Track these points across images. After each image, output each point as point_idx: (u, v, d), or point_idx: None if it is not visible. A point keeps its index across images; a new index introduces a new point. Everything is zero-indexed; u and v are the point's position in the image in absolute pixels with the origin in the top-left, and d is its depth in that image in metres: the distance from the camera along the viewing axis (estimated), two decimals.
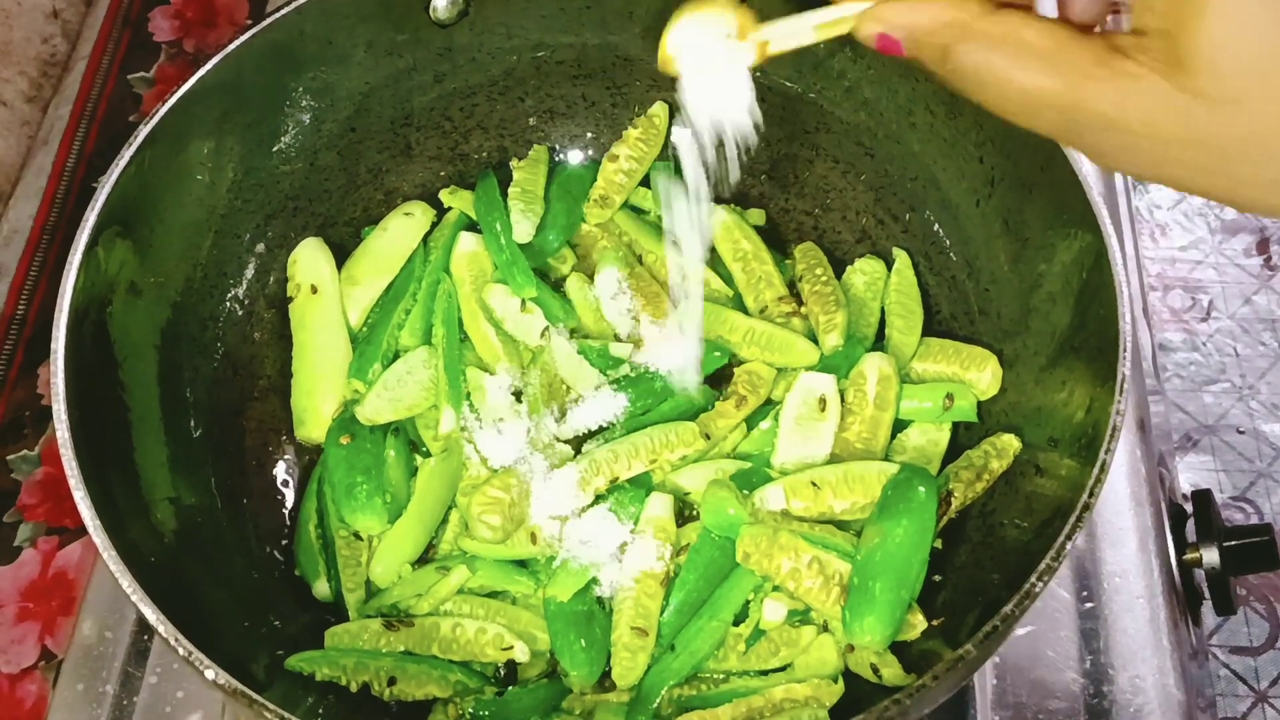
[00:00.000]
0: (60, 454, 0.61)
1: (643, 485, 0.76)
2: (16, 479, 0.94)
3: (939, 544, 0.71)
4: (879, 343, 0.81)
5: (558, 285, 0.86)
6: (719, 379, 0.81)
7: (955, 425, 0.78)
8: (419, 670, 0.70)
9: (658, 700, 0.69)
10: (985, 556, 0.70)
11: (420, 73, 0.84)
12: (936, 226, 0.81)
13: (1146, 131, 0.41)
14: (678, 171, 0.88)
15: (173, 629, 0.56)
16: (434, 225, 0.88)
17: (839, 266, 0.85)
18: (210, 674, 0.56)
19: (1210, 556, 0.83)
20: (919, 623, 0.67)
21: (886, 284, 0.83)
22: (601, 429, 0.78)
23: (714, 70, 0.60)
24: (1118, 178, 1.03)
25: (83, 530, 0.59)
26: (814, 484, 0.72)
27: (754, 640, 0.71)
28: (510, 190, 0.87)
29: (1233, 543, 0.83)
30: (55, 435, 0.62)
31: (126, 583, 0.57)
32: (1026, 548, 0.63)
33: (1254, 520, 1.70)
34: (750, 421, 0.79)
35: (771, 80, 0.85)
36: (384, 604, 0.74)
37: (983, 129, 0.74)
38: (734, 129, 0.63)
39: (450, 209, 0.88)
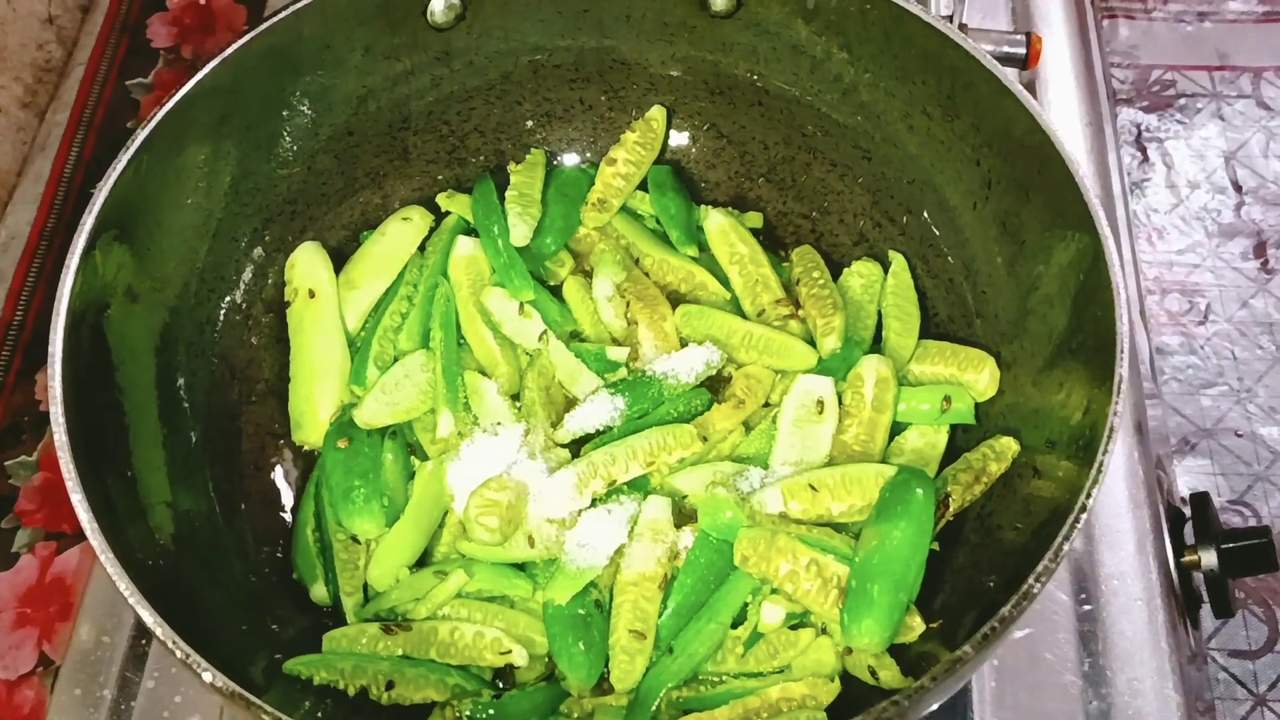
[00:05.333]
0: (58, 458, 0.61)
1: (640, 488, 0.76)
2: (14, 484, 0.94)
3: (937, 546, 0.71)
4: (876, 345, 0.81)
5: (556, 289, 0.86)
6: (717, 382, 0.81)
7: (953, 428, 0.78)
8: (417, 674, 0.69)
9: (656, 703, 0.69)
10: (983, 559, 0.70)
11: (417, 76, 0.85)
12: (934, 229, 0.81)
13: None
14: (674, 175, 0.89)
15: (170, 631, 0.56)
16: (432, 230, 0.88)
17: (836, 269, 0.85)
18: (208, 676, 0.56)
19: (1209, 559, 0.83)
20: (917, 625, 0.67)
21: (883, 287, 0.83)
22: (599, 432, 0.78)
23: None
24: (1114, 181, 1.03)
25: (80, 536, 0.59)
26: (812, 486, 0.72)
27: (752, 643, 0.71)
28: (508, 194, 0.87)
29: (1231, 545, 0.83)
30: (53, 440, 0.62)
31: (124, 585, 0.57)
32: (1024, 549, 0.63)
33: (1252, 523, 1.70)
34: (748, 424, 0.79)
35: (769, 83, 0.85)
36: (382, 608, 0.74)
37: (980, 132, 0.74)
38: None
39: (448, 213, 0.88)
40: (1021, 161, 0.72)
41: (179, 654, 0.56)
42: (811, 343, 0.80)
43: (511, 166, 0.90)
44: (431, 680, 0.69)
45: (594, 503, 0.74)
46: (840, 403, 0.78)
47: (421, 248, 0.87)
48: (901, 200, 0.83)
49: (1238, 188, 2.01)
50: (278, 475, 0.82)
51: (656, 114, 0.89)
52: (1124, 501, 0.85)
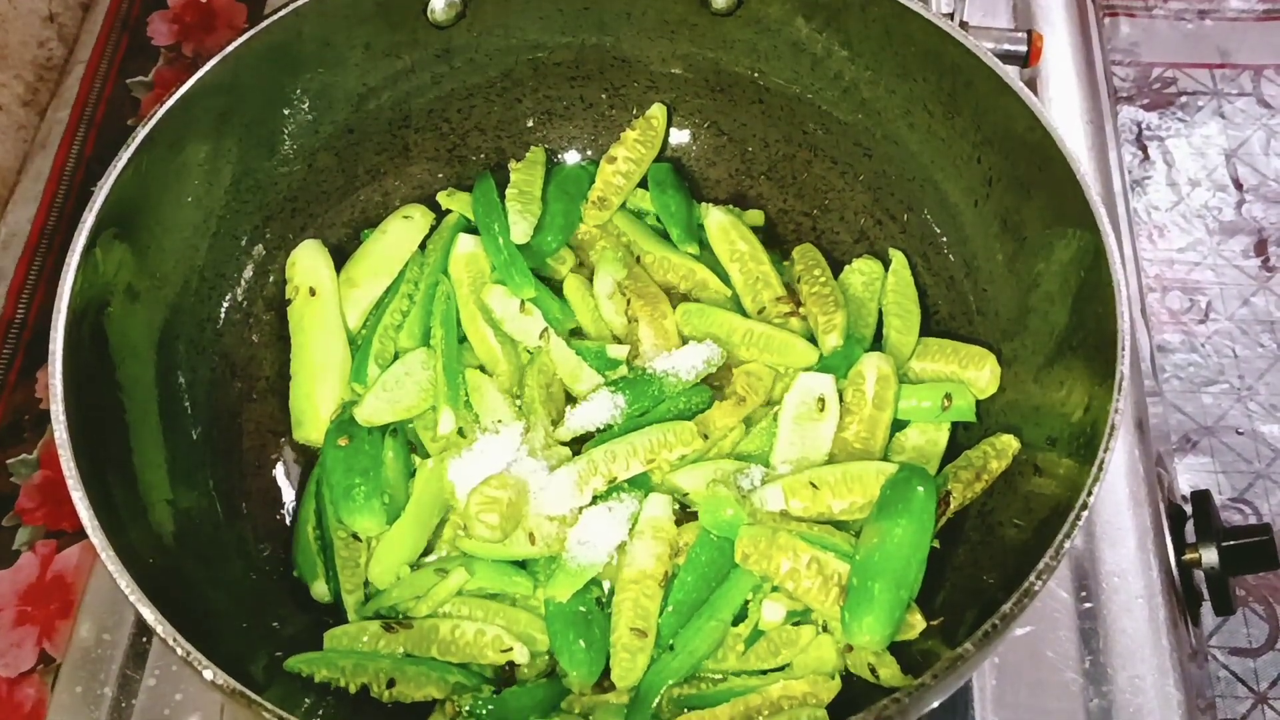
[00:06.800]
0: (58, 455, 0.61)
1: (641, 486, 0.76)
2: (15, 482, 0.94)
3: (937, 544, 0.71)
4: (877, 343, 0.81)
5: (557, 287, 0.86)
6: (717, 379, 0.81)
7: (954, 425, 0.78)
8: (418, 672, 0.69)
9: (657, 700, 0.69)
10: (984, 556, 0.70)
11: (418, 74, 0.85)
12: (935, 227, 0.81)
13: None
14: (674, 173, 0.89)
15: (171, 629, 0.56)
16: (432, 228, 0.88)
17: (837, 267, 0.85)
18: (209, 674, 0.56)
19: (1209, 557, 0.83)
20: (918, 623, 0.67)
21: (884, 284, 0.83)
22: (600, 430, 0.78)
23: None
24: (1115, 178, 1.03)
25: (81, 534, 0.59)
26: (813, 484, 0.72)
27: (753, 640, 0.71)
28: (508, 191, 0.87)
29: (1232, 543, 0.83)
30: (54, 438, 0.62)
31: (125, 583, 0.57)
32: (1025, 547, 0.63)
33: (1253, 521, 1.70)
34: (749, 422, 0.79)
35: (769, 81, 0.85)
36: (383, 605, 0.74)
37: (980, 129, 0.74)
38: None
39: (449, 211, 0.88)
40: (1022, 159, 0.71)
41: (180, 651, 0.56)
42: (812, 340, 0.80)
43: (512, 164, 0.89)
44: (432, 678, 0.69)
45: (595, 500, 0.74)
46: (841, 400, 0.78)
47: (422, 246, 0.86)
48: (902, 198, 0.83)
49: (1238, 185, 2.01)
50: (278, 473, 0.82)
51: (657, 112, 0.89)
52: (1125, 499, 0.85)
